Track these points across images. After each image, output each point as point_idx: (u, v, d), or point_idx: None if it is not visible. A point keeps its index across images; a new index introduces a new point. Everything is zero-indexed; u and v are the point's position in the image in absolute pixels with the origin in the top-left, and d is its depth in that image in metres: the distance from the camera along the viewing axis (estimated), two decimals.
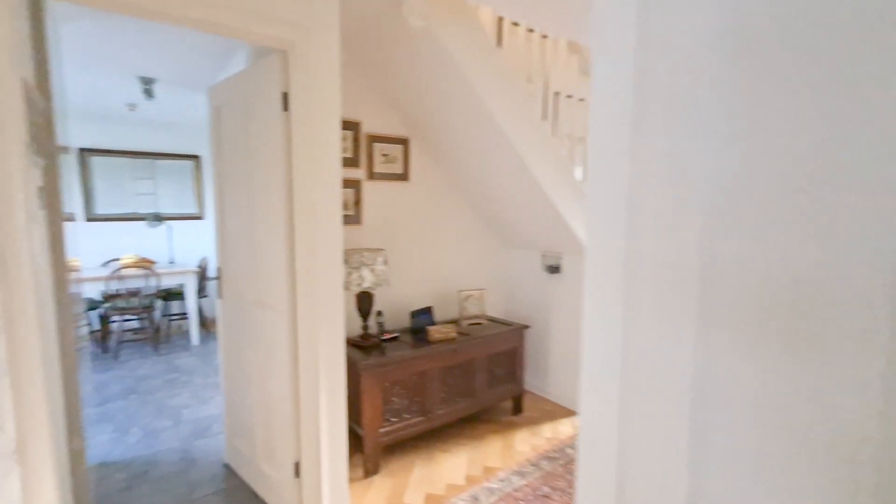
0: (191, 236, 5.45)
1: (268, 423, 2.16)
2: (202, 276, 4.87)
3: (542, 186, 2.63)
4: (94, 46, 2.91)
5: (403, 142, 3.01)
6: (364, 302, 2.60)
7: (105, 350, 4.52)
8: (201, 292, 4.92)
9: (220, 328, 2.49)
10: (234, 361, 2.41)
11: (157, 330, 4.70)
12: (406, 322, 3.06)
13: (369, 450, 2.40)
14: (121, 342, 4.50)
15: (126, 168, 5.12)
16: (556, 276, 3.19)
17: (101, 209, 4.99)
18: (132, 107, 4.35)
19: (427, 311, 2.95)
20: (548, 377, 3.33)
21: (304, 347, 1.99)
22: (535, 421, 3.04)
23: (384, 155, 2.93)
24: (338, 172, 1.96)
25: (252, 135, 2.06)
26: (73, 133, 4.74)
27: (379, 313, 2.79)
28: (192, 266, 4.88)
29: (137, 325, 4.92)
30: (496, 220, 3.37)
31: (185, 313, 5.01)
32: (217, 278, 2.41)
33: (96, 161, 4.93)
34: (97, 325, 4.74)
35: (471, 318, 3.16)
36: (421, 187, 3.15)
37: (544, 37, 2.85)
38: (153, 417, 3.12)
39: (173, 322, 5.22)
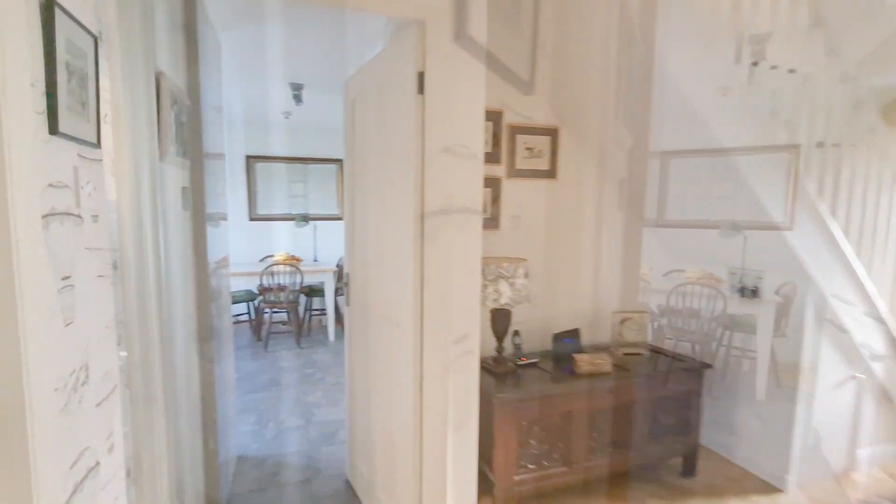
0: (333, 236, 5.74)
1: (389, 451, 1.90)
2: (339, 275, 5.04)
3: (748, 183, 1.93)
4: (252, 54, 3.05)
5: (551, 132, 2.55)
6: (500, 320, 2.22)
7: (258, 339, 4.94)
8: (339, 291, 5.10)
9: (347, 339, 2.35)
10: (358, 375, 2.23)
11: (301, 324, 4.98)
12: (546, 344, 2.59)
13: (501, 499, 2.01)
14: (271, 333, 4.86)
15: (282, 172, 5.59)
16: (751, 301, 2.40)
17: (261, 210, 5.51)
18: (287, 114, 4.67)
19: (573, 335, 2.45)
20: (734, 433, 2.55)
21: (431, 373, 1.68)
22: (714, 490, 2.32)
23: (528, 149, 2.51)
24: (478, 169, 1.61)
25: (384, 125, 1.82)
26: (240, 141, 5.30)
27: (516, 333, 2.38)
28: (332, 265, 5.09)
29: (285, 317, 5.31)
30: (666, 225, 2.69)
31: (324, 309, 5.25)
32: (345, 284, 2.26)
33: (259, 166, 5.46)
34: (254, 316, 5.22)
35: (628, 346, 2.56)
36: (570, 186, 2.64)
37: None
38: (288, 413, 3.19)
39: (314, 317, 5.53)
